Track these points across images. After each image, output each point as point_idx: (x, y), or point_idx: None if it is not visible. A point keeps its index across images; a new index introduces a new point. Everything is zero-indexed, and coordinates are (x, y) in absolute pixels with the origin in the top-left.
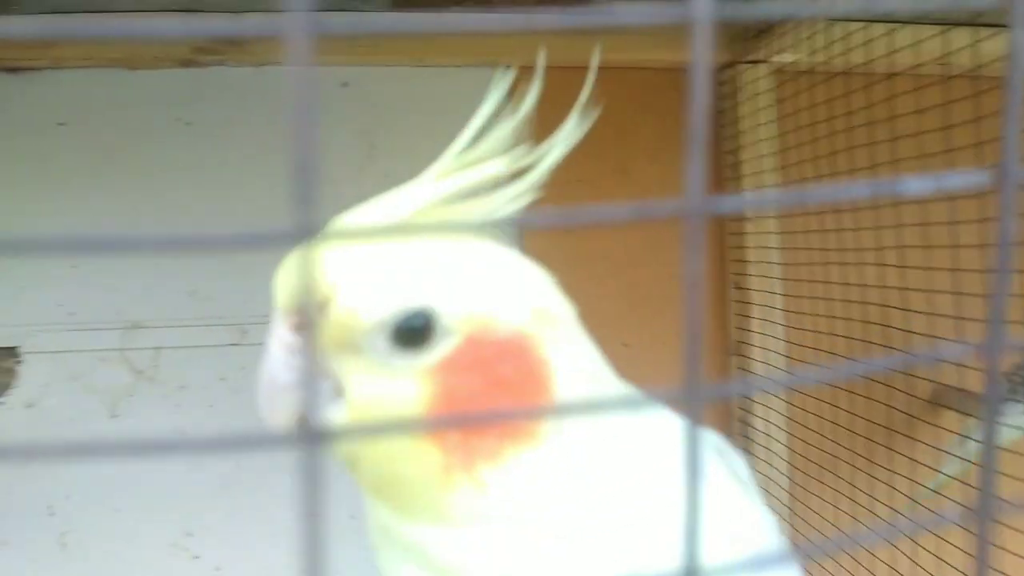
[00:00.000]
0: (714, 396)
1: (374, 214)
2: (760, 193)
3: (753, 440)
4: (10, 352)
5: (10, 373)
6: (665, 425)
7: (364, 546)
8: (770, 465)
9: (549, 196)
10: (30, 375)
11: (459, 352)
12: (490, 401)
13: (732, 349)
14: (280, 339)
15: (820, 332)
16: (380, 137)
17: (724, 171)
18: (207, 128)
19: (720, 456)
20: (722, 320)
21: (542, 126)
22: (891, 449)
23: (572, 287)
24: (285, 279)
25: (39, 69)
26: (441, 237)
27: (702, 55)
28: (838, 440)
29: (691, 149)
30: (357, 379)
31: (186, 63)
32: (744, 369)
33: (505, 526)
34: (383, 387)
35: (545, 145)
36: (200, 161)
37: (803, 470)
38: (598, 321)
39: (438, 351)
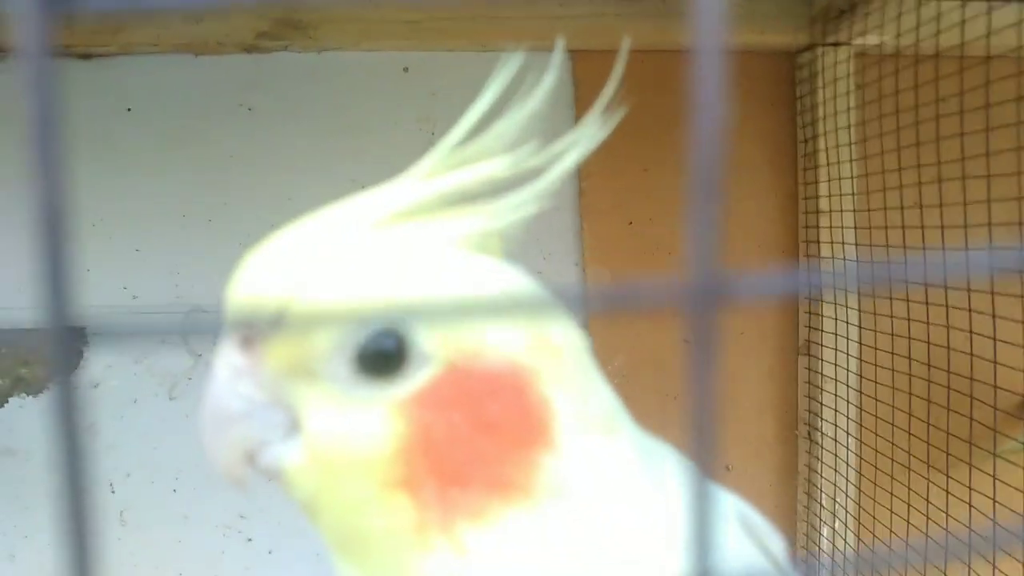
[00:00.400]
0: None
1: (344, 218)
2: (830, 270)
3: (821, 445)
4: (78, 332)
5: (78, 354)
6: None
7: None
8: (837, 472)
9: (612, 182)
10: (95, 356)
11: (438, 383)
12: (475, 446)
13: (801, 350)
14: (227, 360)
15: (897, 317)
16: (441, 124)
17: (799, 161)
18: (269, 114)
19: (747, 529)
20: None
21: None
22: (971, 465)
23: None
24: (237, 287)
25: (109, 55)
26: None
27: (711, 38)
28: (912, 450)
29: (696, 200)
30: (315, 411)
31: (249, 49)
32: (812, 357)
33: None
34: (344, 422)
35: (562, 143)
36: (262, 147)
37: (872, 479)
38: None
39: (412, 381)
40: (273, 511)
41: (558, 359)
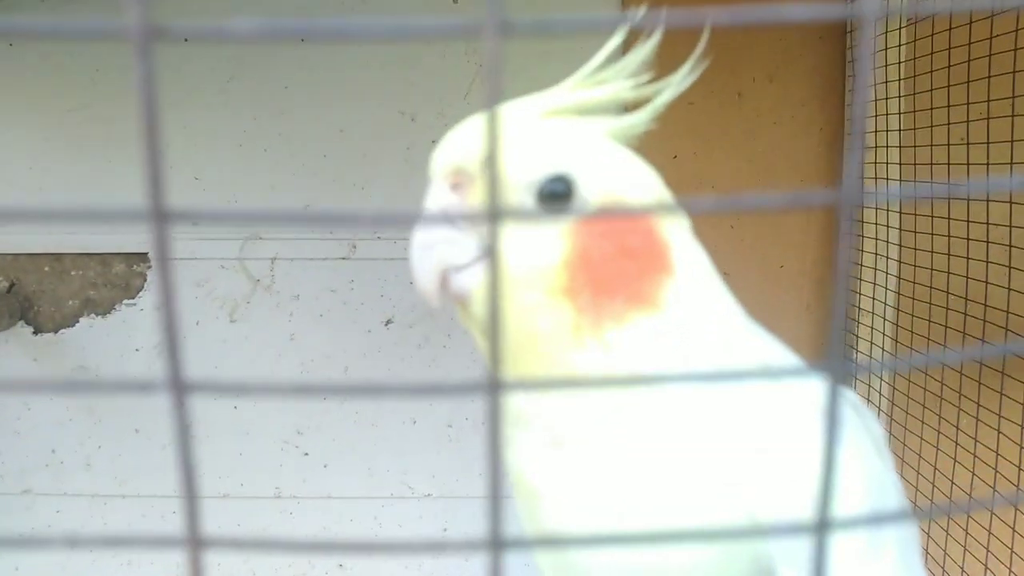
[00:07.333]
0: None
1: (522, 107)
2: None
3: (854, 375)
4: (141, 257)
5: (141, 276)
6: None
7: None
8: (868, 401)
9: (657, 117)
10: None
11: (593, 218)
12: (620, 266)
13: None
14: (437, 200)
15: (937, 252)
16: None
17: (846, 97)
18: (323, 46)
19: (856, 413)
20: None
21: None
22: (1002, 394)
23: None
24: (448, 147)
25: None
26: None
27: (866, 49)
28: (944, 380)
29: (852, 142)
30: (505, 236)
31: None
32: (850, 289)
33: (624, 392)
34: (527, 239)
35: (664, 82)
36: (316, 78)
37: (904, 408)
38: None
39: (575, 215)
40: (328, 428)
41: (676, 223)
